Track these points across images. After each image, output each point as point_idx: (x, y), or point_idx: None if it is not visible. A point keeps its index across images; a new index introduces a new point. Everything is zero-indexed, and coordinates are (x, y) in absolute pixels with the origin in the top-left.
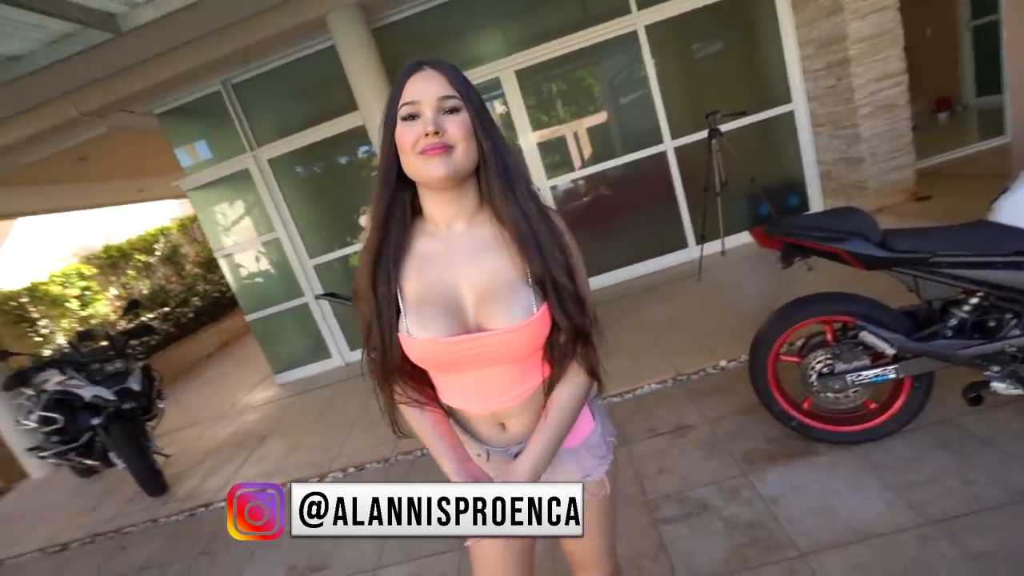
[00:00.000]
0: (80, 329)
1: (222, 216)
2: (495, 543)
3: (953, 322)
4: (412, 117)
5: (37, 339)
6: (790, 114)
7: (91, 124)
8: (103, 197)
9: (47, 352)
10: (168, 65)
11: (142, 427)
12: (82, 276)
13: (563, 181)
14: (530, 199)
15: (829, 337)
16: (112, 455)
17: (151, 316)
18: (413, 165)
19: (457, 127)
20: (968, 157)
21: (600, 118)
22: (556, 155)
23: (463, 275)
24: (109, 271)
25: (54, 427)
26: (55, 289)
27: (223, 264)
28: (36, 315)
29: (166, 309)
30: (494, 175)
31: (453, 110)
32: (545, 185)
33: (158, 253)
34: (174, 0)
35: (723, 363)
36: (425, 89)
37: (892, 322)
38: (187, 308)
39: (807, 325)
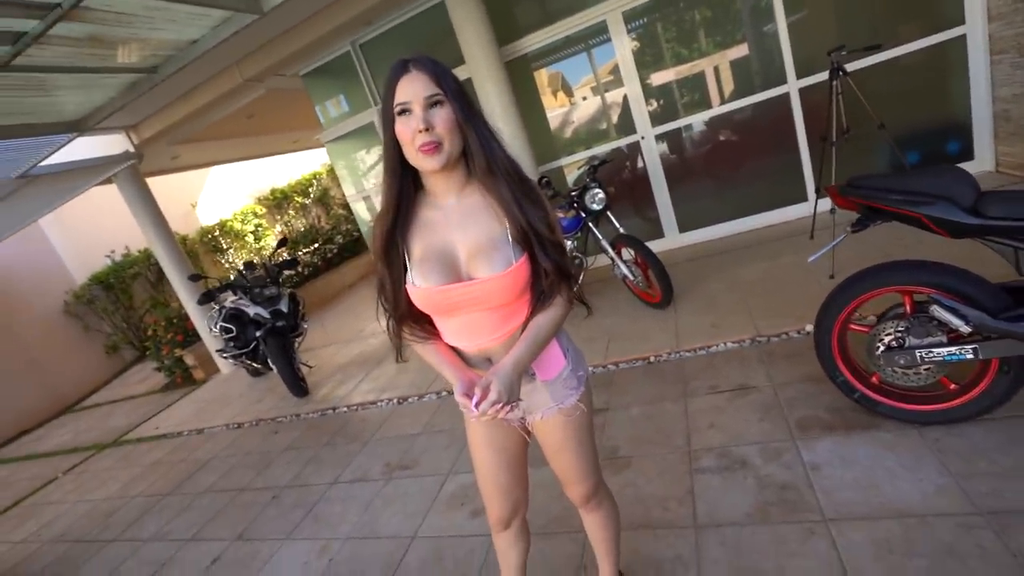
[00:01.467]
0: (245, 261)
1: (353, 165)
2: (489, 449)
3: None
4: (405, 112)
5: (226, 264)
6: (960, 39)
7: (253, 88)
8: (267, 147)
9: (228, 277)
10: (305, 32)
11: (290, 342)
12: (255, 215)
13: (670, 128)
14: (511, 171)
15: (907, 309)
16: (269, 361)
17: (305, 251)
18: (412, 156)
19: (442, 121)
20: None
21: (714, 60)
22: (664, 101)
23: (456, 237)
24: (275, 210)
25: (230, 335)
26: (237, 225)
27: (355, 207)
28: (225, 246)
29: (316, 245)
30: (479, 156)
31: (438, 103)
32: (650, 133)
33: (312, 195)
34: None
35: (808, 328)
36: (413, 90)
37: (982, 297)
38: (332, 244)
39: (884, 294)
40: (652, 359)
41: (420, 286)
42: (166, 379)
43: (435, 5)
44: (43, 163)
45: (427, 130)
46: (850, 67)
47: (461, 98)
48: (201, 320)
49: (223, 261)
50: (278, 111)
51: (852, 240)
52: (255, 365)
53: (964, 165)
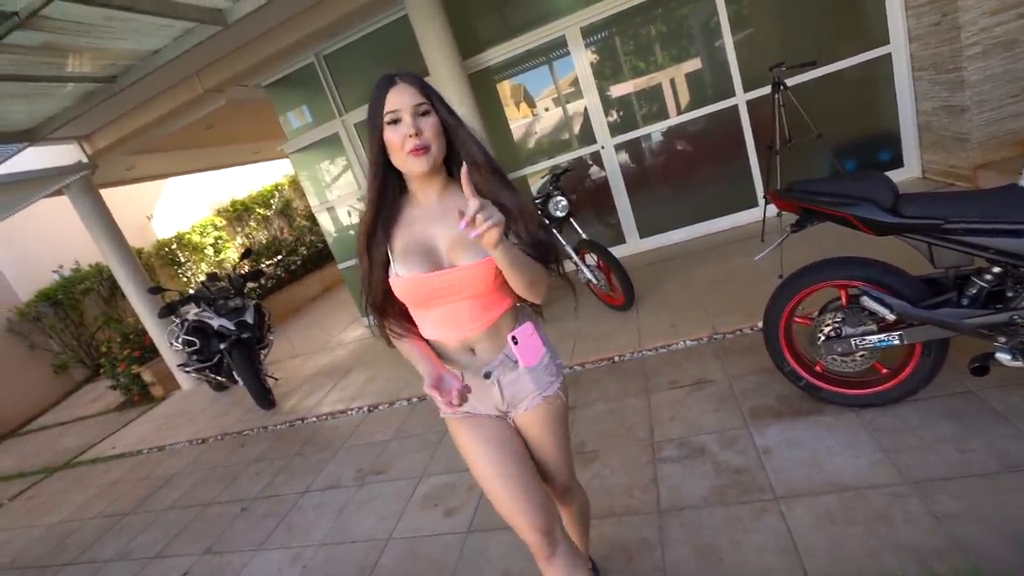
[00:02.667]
0: (209, 272)
1: (317, 176)
2: (483, 444)
3: (971, 291)
4: (395, 122)
5: (183, 278)
6: (886, 57)
7: (214, 98)
8: (227, 158)
9: (190, 290)
10: (269, 43)
11: (256, 354)
12: (215, 227)
13: (628, 138)
14: (490, 166)
15: (843, 301)
16: (235, 374)
17: (268, 263)
18: (403, 162)
19: (429, 128)
20: None
21: (667, 74)
22: (622, 112)
23: (437, 231)
24: (235, 222)
25: (193, 348)
26: (195, 238)
27: (319, 218)
28: (182, 259)
29: (279, 257)
30: (467, 157)
31: (425, 113)
32: (610, 143)
33: (274, 207)
34: None
35: (760, 325)
36: (403, 100)
37: (904, 288)
38: (295, 256)
39: (822, 289)
40: (616, 359)
41: (403, 275)
42: (122, 397)
43: (399, 19)
44: None
45: (417, 134)
46: (789, 82)
47: (444, 107)
48: (160, 334)
49: (181, 275)
50: (239, 122)
51: (799, 242)
52: (219, 379)
53: (894, 172)
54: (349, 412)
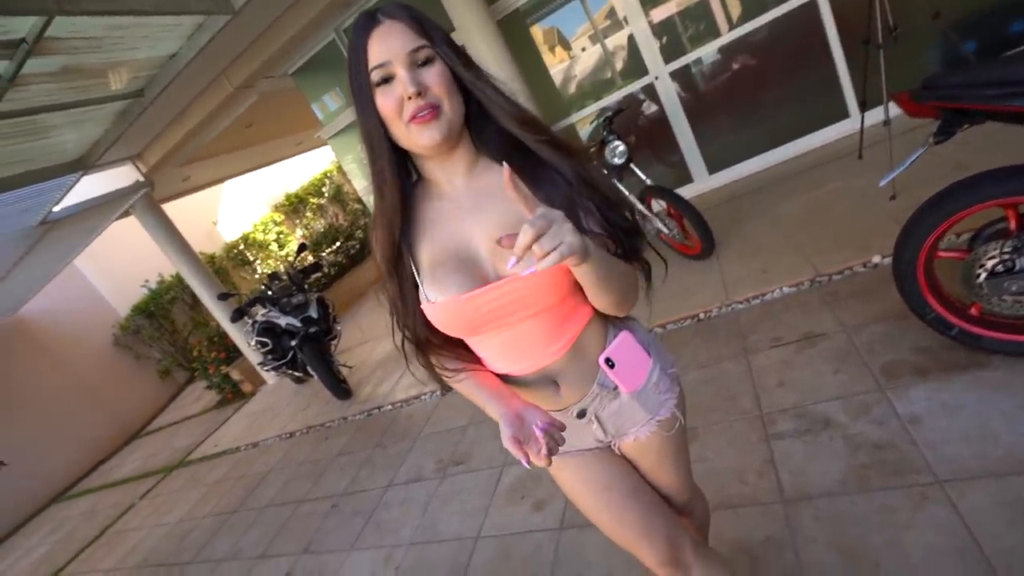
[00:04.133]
0: (269, 272)
1: (360, 157)
2: (594, 492)
3: None
4: (387, 80)
5: (256, 276)
6: None
7: (245, 95)
8: (273, 154)
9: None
10: (285, 27)
11: (326, 346)
12: (275, 222)
13: (685, 62)
14: (530, 127)
15: (1012, 225)
16: (308, 369)
17: (328, 251)
18: (405, 135)
19: (436, 80)
20: None
21: None
22: (675, 33)
23: (473, 228)
24: (293, 215)
25: (267, 348)
26: (259, 236)
27: (367, 201)
28: (251, 257)
29: (337, 243)
30: (499, 115)
31: (428, 61)
32: (664, 71)
33: (326, 194)
34: None
35: (876, 259)
36: (391, 46)
37: None
38: (353, 240)
39: (980, 210)
40: (702, 316)
41: (437, 301)
42: (217, 396)
43: None
44: (60, 207)
45: (419, 94)
46: None
47: (453, 47)
48: (239, 335)
49: (252, 273)
50: (276, 115)
51: (904, 153)
52: (296, 374)
53: None
54: (422, 398)
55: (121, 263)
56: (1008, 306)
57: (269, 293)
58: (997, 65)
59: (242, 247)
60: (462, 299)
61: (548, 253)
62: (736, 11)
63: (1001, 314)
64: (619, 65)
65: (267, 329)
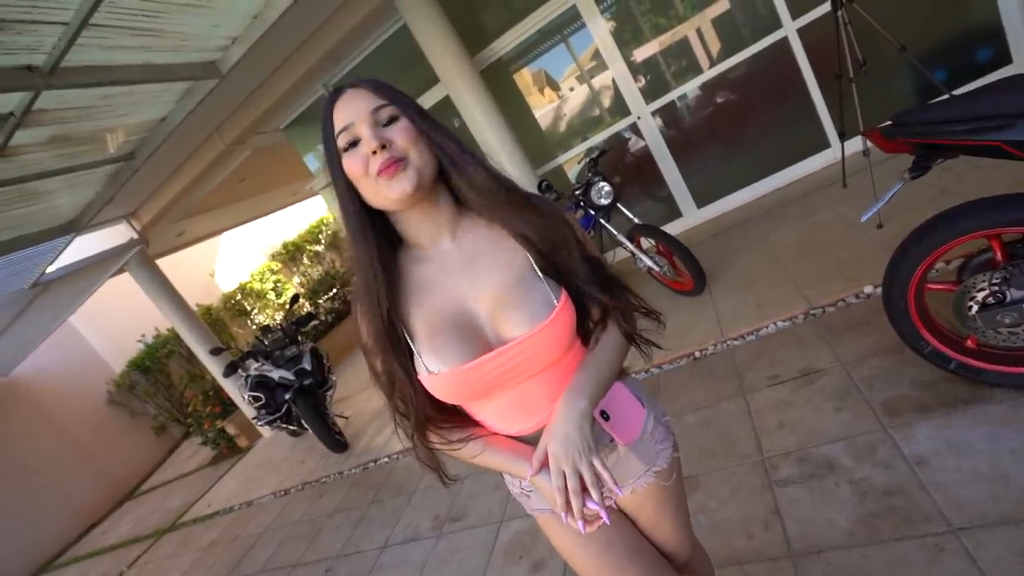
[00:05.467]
0: (262, 325)
1: None
2: (589, 553)
3: None
4: (353, 144)
5: (254, 326)
6: None
7: (238, 151)
8: (267, 205)
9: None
10: (275, 85)
11: (321, 398)
12: (272, 271)
13: (665, 102)
14: (505, 185)
15: (999, 256)
16: (303, 422)
17: (326, 297)
18: (375, 192)
19: (401, 135)
20: None
21: (698, 21)
22: (654, 75)
23: (467, 291)
24: (290, 263)
25: (260, 403)
26: (256, 285)
27: None
28: (249, 307)
29: (335, 290)
30: (464, 175)
31: (391, 120)
32: (645, 111)
33: (323, 241)
34: (253, 32)
35: (868, 290)
36: (354, 109)
37: None
38: (350, 287)
39: (967, 241)
40: (697, 354)
41: (438, 372)
42: (213, 451)
43: (398, 30)
44: (53, 267)
45: (383, 147)
46: None
47: (418, 111)
48: (234, 389)
49: (250, 323)
50: (269, 168)
51: (893, 178)
52: (291, 427)
53: (1002, 71)
54: None
55: (116, 318)
56: (1004, 338)
57: (263, 346)
58: (964, 101)
59: (239, 297)
60: (464, 369)
61: (594, 479)
62: (713, 49)
63: (999, 346)
64: (601, 107)
65: (260, 383)
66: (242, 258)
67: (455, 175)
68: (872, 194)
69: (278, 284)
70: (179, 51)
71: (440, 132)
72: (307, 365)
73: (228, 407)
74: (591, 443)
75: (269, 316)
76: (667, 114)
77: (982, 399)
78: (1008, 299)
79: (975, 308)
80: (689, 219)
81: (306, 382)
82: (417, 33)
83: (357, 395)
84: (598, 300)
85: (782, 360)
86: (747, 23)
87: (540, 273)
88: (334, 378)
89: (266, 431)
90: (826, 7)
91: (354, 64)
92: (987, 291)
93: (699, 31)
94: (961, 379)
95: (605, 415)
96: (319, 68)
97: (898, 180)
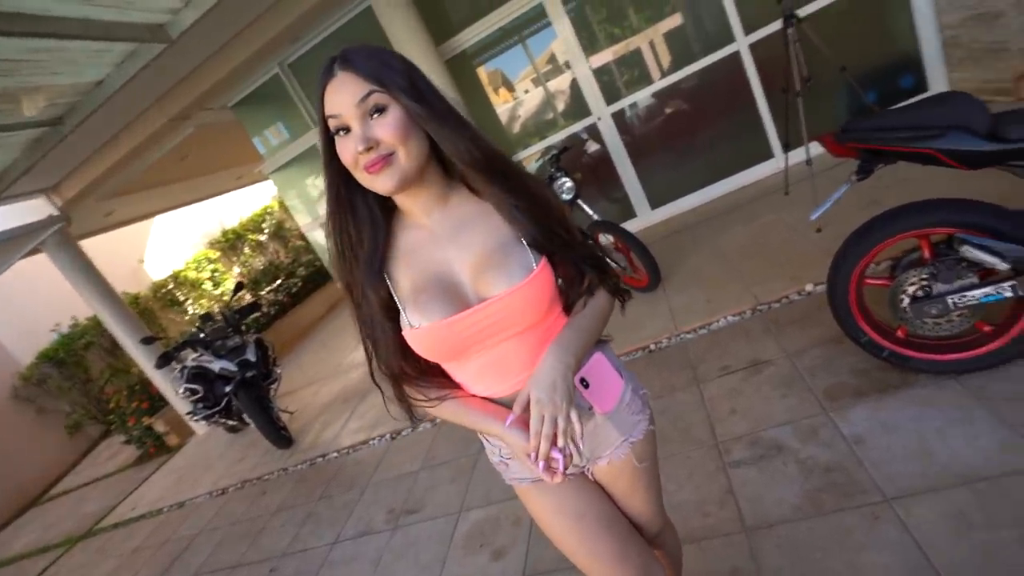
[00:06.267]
0: (202, 313)
1: (303, 193)
2: (565, 518)
3: None
4: (342, 130)
5: (187, 317)
6: None
7: (180, 127)
8: (209, 188)
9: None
10: (227, 59)
11: (265, 391)
12: (209, 260)
13: (625, 105)
14: (500, 163)
15: (926, 254)
16: (245, 416)
17: (268, 289)
18: (362, 181)
19: (389, 131)
20: None
21: (659, 29)
22: (615, 77)
23: (453, 255)
24: (230, 252)
25: (197, 396)
26: (191, 274)
27: (311, 237)
28: (182, 297)
29: (278, 282)
30: (456, 151)
31: (378, 110)
32: (606, 112)
33: (266, 231)
34: None
35: (809, 288)
36: (341, 99)
37: (1009, 230)
38: (295, 278)
39: (899, 241)
40: (652, 347)
41: (420, 326)
42: (138, 451)
43: (362, 11)
44: None
45: (369, 149)
46: (800, 13)
47: (411, 90)
48: (165, 382)
49: (183, 315)
50: (214, 148)
51: (826, 189)
52: (230, 422)
53: (920, 97)
54: (371, 443)
55: (26, 305)
56: (929, 328)
57: (201, 336)
58: (905, 112)
59: (172, 286)
60: (446, 323)
61: (568, 429)
62: (670, 58)
63: (924, 335)
64: (566, 104)
65: (198, 375)
66: (176, 245)
67: (448, 151)
68: (813, 201)
69: (216, 273)
70: (125, 8)
71: (433, 111)
72: (251, 356)
73: (157, 402)
74: (572, 395)
75: (205, 307)
76: (626, 117)
77: (909, 384)
78: (934, 292)
79: (906, 301)
80: (643, 219)
81: (249, 374)
82: (382, 16)
83: (303, 390)
84: (579, 269)
85: (732, 352)
86: (703, 36)
87: (524, 242)
88: (279, 371)
89: (201, 427)
90: (777, 25)
91: (314, 43)
92: (916, 285)
93: (658, 40)
94: (892, 366)
95: (585, 383)
96: (275, 45)
97: (845, 182)
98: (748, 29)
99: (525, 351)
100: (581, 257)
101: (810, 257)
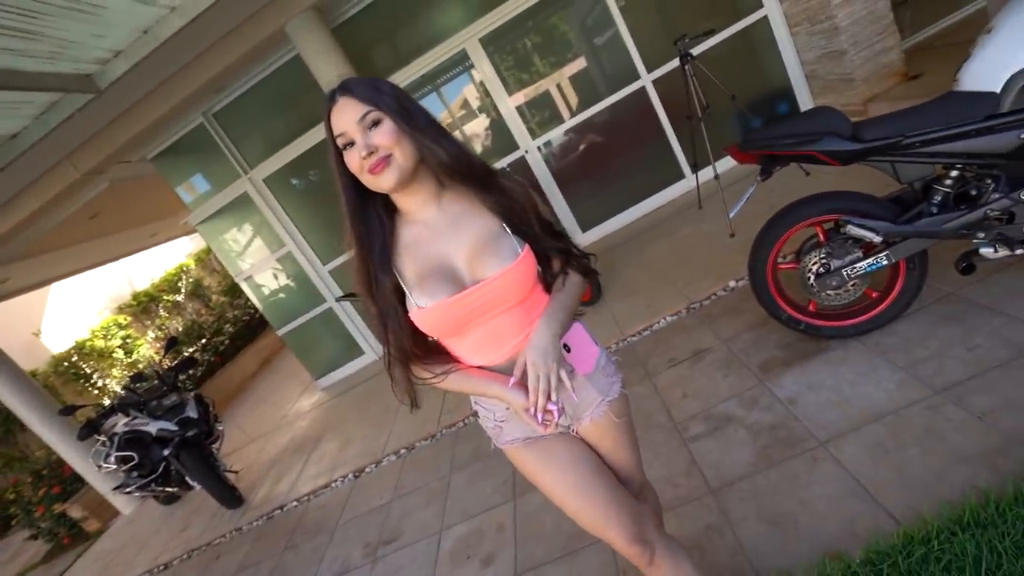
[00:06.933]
0: (131, 374)
1: (234, 242)
2: (558, 473)
3: (937, 199)
4: (349, 145)
5: (95, 392)
6: (764, 20)
7: (93, 182)
8: (120, 248)
9: (107, 400)
10: (150, 109)
11: (208, 449)
12: (120, 326)
13: (549, 138)
14: (475, 169)
15: (821, 237)
16: (188, 479)
17: (191, 350)
18: (369, 183)
19: (385, 137)
20: (959, 23)
21: (572, 68)
22: (537, 114)
23: (449, 246)
24: (143, 316)
25: (132, 464)
26: (99, 343)
27: (245, 287)
28: (88, 370)
29: (203, 341)
30: (440, 163)
31: (375, 123)
32: (532, 145)
33: (183, 290)
34: (140, 48)
35: (732, 284)
36: (345, 119)
37: (878, 210)
38: (222, 336)
39: (797, 231)
40: None
41: (426, 305)
42: (48, 545)
43: (290, 60)
44: None
45: (371, 153)
46: (694, 52)
47: (400, 110)
48: (82, 459)
49: (91, 388)
50: (128, 204)
51: (735, 199)
52: (169, 490)
53: None
54: (333, 485)
55: None
56: (832, 299)
57: (135, 396)
58: (788, 123)
59: (75, 358)
60: (448, 302)
61: (559, 385)
62: (586, 94)
63: (830, 306)
64: (495, 139)
65: (132, 440)
66: (79, 312)
67: (430, 160)
68: (724, 210)
69: (128, 340)
70: (54, 59)
71: (416, 126)
72: (192, 413)
73: (70, 485)
74: (560, 356)
75: (117, 378)
76: (551, 148)
77: (824, 350)
78: (832, 268)
79: (812, 278)
80: (576, 241)
81: (191, 433)
82: (311, 64)
83: (244, 448)
84: (557, 252)
85: (676, 346)
86: (612, 74)
87: (508, 231)
88: (221, 428)
89: (127, 505)
90: (675, 62)
91: (239, 93)
92: (818, 264)
93: (574, 78)
94: (809, 337)
95: (567, 348)
96: (199, 96)
97: (751, 183)
98: (650, 67)
99: (515, 323)
100: (550, 245)
101: (728, 258)
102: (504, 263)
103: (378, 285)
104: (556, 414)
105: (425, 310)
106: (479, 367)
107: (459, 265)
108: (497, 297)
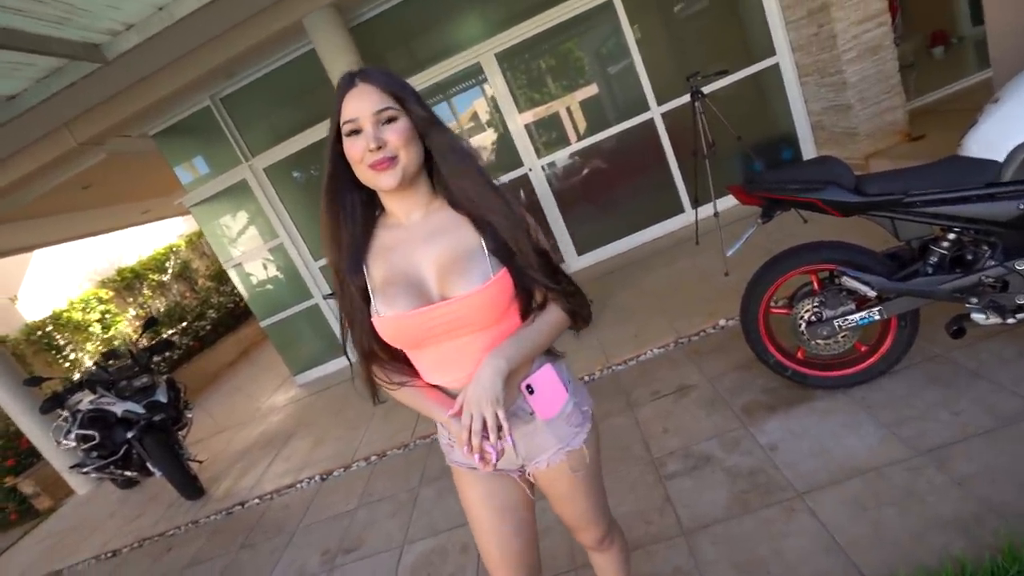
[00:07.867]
0: (104, 350)
1: (226, 228)
2: (491, 510)
3: (933, 259)
4: (355, 132)
5: (66, 364)
6: (775, 67)
7: (90, 152)
8: (110, 222)
9: (77, 375)
10: (156, 86)
11: (174, 436)
12: (100, 300)
13: (554, 159)
14: (481, 179)
15: (816, 286)
16: (149, 464)
17: (171, 332)
18: (366, 177)
19: (396, 136)
20: (963, 91)
21: (584, 93)
22: (545, 134)
23: (423, 256)
24: (125, 293)
25: (92, 443)
26: (76, 315)
27: (232, 274)
28: (62, 342)
29: (184, 324)
30: (443, 168)
31: (390, 120)
32: (537, 164)
33: (170, 271)
34: (153, 23)
35: (722, 322)
36: (361, 106)
37: (874, 265)
38: (204, 321)
39: (792, 277)
40: (586, 378)
41: (385, 315)
42: None
43: (304, 54)
44: None
45: (379, 148)
46: (705, 90)
47: (419, 110)
48: (42, 433)
49: (62, 360)
50: (123, 178)
51: (732, 239)
52: (127, 474)
53: None
54: (299, 485)
55: None
56: (821, 348)
57: (105, 374)
58: (794, 169)
59: (50, 328)
60: (408, 315)
61: (495, 424)
62: (594, 120)
63: (818, 355)
64: (501, 155)
65: (95, 419)
66: (58, 281)
67: (441, 167)
68: (721, 249)
69: (107, 316)
70: (61, 24)
71: (434, 132)
72: (162, 397)
73: (25, 459)
74: (499, 395)
75: (89, 352)
76: (555, 169)
77: (809, 398)
78: (824, 317)
79: (803, 326)
80: (571, 265)
81: (158, 417)
82: (325, 60)
83: (212, 438)
84: (541, 284)
85: (660, 379)
86: (622, 103)
87: (487, 252)
88: (190, 415)
89: (83, 485)
90: (685, 98)
91: (249, 81)
92: (810, 312)
93: (585, 103)
94: (794, 384)
95: (530, 389)
96: (210, 78)
97: (752, 224)
98: (661, 100)
99: (477, 348)
100: (540, 274)
101: (721, 296)
102: (472, 284)
103: (344, 285)
104: (494, 456)
105: (384, 319)
106: (435, 386)
107: (428, 278)
108: (462, 318)
